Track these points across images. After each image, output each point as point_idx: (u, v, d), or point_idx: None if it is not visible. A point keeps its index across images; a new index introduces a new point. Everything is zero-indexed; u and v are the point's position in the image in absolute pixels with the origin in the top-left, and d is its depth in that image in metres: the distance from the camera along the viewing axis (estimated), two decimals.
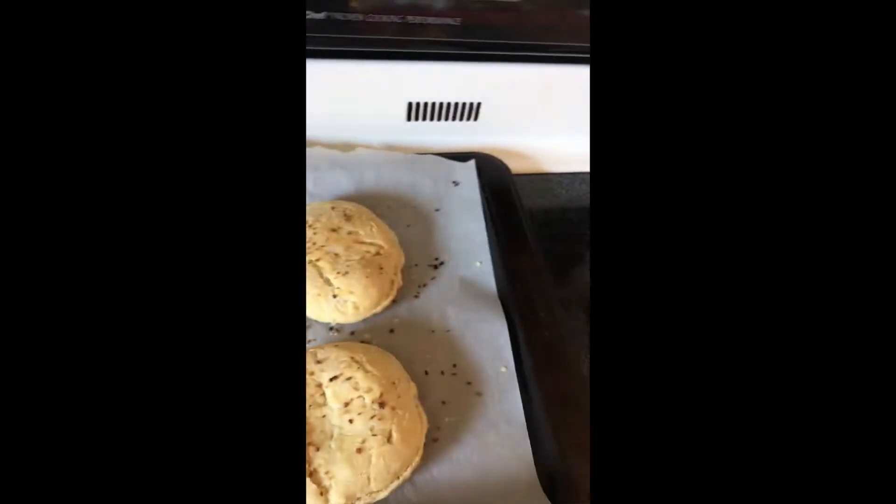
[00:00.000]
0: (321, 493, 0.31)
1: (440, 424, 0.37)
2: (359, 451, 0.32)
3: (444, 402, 0.38)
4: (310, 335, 0.41)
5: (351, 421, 0.33)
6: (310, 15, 0.39)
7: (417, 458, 0.35)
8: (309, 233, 0.42)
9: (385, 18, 0.40)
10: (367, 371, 0.35)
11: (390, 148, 0.52)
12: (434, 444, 0.36)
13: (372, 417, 0.34)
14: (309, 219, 0.43)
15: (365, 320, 0.42)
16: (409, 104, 0.50)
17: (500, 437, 0.37)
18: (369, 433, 0.33)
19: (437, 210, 0.50)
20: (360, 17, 0.40)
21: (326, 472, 0.32)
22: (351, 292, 0.40)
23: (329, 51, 0.44)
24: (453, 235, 0.48)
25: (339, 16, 0.39)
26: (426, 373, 0.40)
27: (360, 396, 0.34)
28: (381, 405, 0.34)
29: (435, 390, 0.39)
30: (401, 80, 0.48)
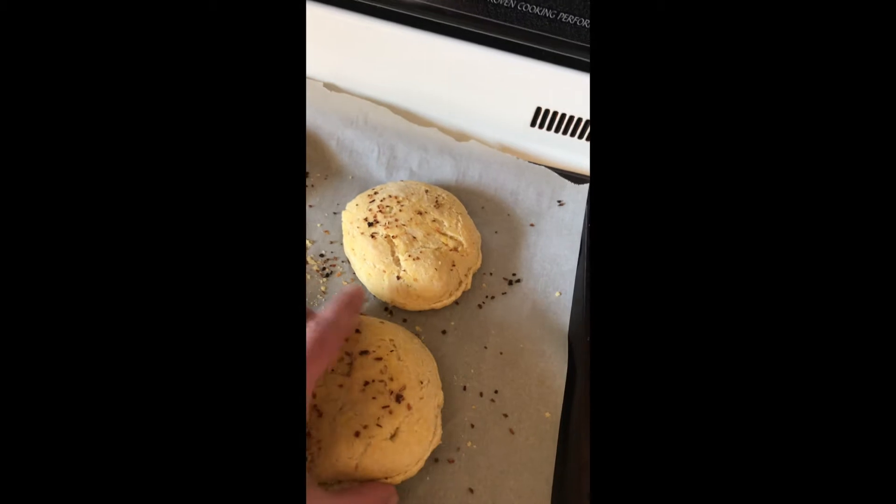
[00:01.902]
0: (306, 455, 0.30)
1: (461, 447, 0.34)
2: (357, 434, 0.30)
3: (472, 426, 0.35)
4: (364, 308, 0.40)
5: (364, 402, 0.31)
6: None
7: (415, 469, 0.32)
8: (395, 208, 0.41)
9: (536, 9, 0.37)
10: (399, 360, 0.33)
11: (504, 149, 0.49)
12: (448, 464, 0.33)
13: (384, 407, 0.31)
14: (399, 195, 0.42)
15: (421, 312, 0.39)
16: (538, 109, 0.47)
17: (520, 485, 0.33)
18: (374, 422, 0.30)
19: (531, 225, 0.46)
20: (512, 3, 0.37)
21: (318, 442, 0.30)
22: (415, 279, 0.38)
23: (470, 32, 0.42)
24: (540, 256, 0.44)
25: None
26: (464, 388, 0.37)
27: (382, 381, 0.32)
28: (399, 399, 0.31)
29: (467, 410, 0.36)
30: (536, 82, 0.45)
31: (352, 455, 0.30)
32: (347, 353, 0.33)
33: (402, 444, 0.31)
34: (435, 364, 0.35)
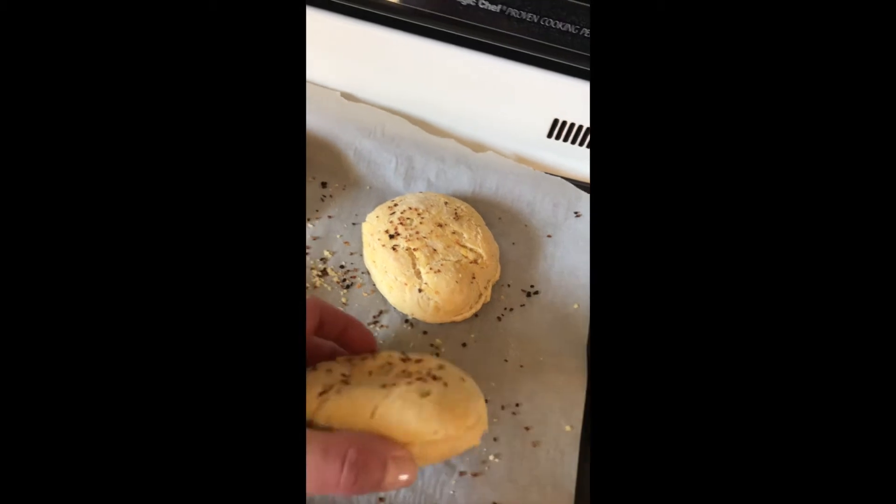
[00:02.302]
0: (320, 395, 0.26)
1: (485, 459, 0.34)
2: (383, 385, 0.26)
3: (495, 439, 0.35)
4: (384, 320, 0.40)
5: (394, 372, 0.28)
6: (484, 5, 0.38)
7: (445, 453, 0.26)
8: (416, 220, 0.41)
9: (559, 25, 0.37)
10: (441, 365, 0.30)
11: (521, 160, 0.49)
12: (472, 478, 0.34)
13: (420, 379, 0.27)
14: (420, 207, 0.42)
15: (441, 324, 0.40)
16: (556, 121, 0.47)
17: (544, 499, 0.33)
18: (405, 382, 0.27)
19: (548, 236, 0.46)
20: (535, 18, 0.37)
21: (343, 375, 0.28)
22: (437, 292, 0.38)
23: (488, 45, 0.42)
24: (558, 267, 0.44)
25: (514, 12, 0.38)
26: (486, 401, 0.37)
27: (427, 370, 0.28)
28: (436, 378, 0.27)
29: (489, 423, 0.36)
30: (555, 94, 0.45)
31: (373, 396, 0.25)
32: (389, 364, 0.30)
33: (431, 402, 0.25)
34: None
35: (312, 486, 0.22)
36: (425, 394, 0.26)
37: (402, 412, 0.25)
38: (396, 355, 0.31)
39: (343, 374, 0.28)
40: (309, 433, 0.23)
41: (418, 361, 0.30)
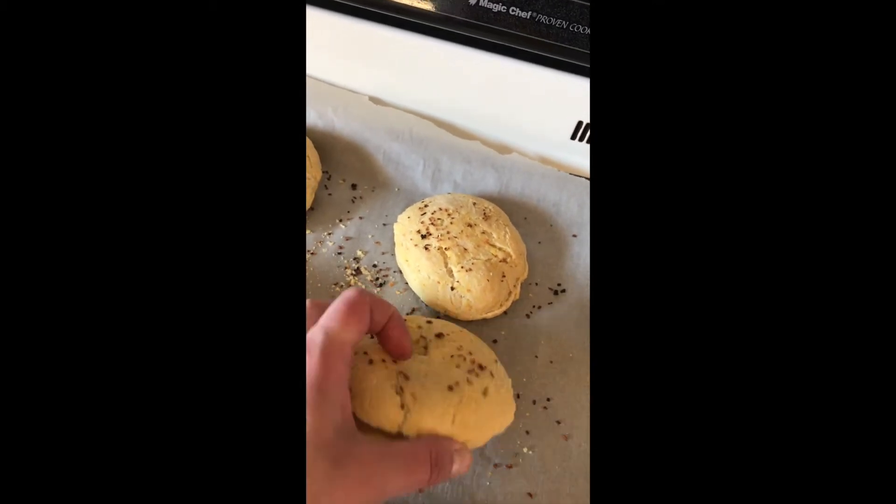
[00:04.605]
0: (401, 407, 0.29)
1: (518, 451, 0.35)
2: (450, 388, 0.30)
3: (527, 433, 0.36)
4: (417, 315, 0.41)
5: (448, 368, 0.31)
6: (495, 6, 0.39)
7: (497, 431, 0.32)
8: (446, 221, 0.42)
9: (587, 30, 0.38)
10: (472, 340, 0.34)
11: (545, 161, 0.50)
12: (507, 469, 0.35)
13: (470, 371, 0.31)
14: (449, 208, 0.43)
15: (471, 322, 0.41)
16: (579, 123, 0.48)
17: (577, 489, 0.34)
18: (465, 380, 0.31)
19: (574, 236, 0.47)
20: (565, 24, 0.39)
21: (412, 394, 0.29)
22: (469, 290, 0.39)
23: (515, 49, 0.43)
24: (584, 267, 0.45)
25: (543, 18, 0.39)
26: (518, 396, 0.38)
27: (461, 355, 0.32)
28: (482, 367, 0.32)
29: (521, 417, 0.37)
30: (579, 96, 0.46)
31: (448, 404, 0.29)
32: (422, 337, 0.33)
33: (493, 401, 0.31)
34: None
35: (407, 487, 0.26)
36: (484, 390, 0.31)
37: (476, 412, 0.30)
38: (433, 330, 0.34)
39: (399, 370, 0.30)
40: (397, 444, 0.27)
41: (453, 341, 0.34)
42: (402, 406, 0.29)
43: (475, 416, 0.30)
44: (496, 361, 0.34)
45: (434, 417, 0.29)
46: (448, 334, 0.34)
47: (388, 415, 0.28)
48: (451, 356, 0.32)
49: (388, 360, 0.31)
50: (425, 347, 0.33)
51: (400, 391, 0.29)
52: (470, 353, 0.33)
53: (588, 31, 0.39)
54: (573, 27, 0.39)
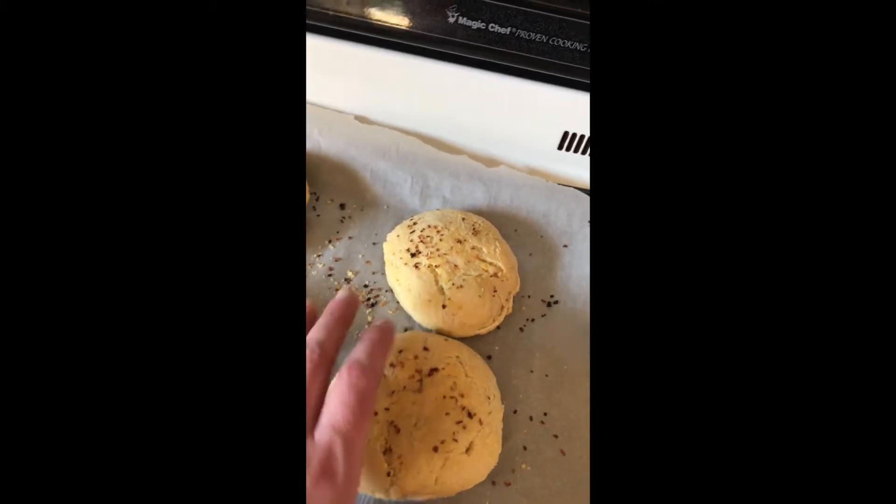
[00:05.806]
0: (388, 475, 0.31)
1: (515, 468, 0.35)
2: (435, 449, 0.32)
3: (525, 448, 0.36)
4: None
5: (437, 418, 0.33)
6: (493, 28, 0.39)
7: (479, 480, 0.33)
8: (436, 238, 0.42)
9: (566, 42, 0.39)
10: (467, 376, 0.35)
11: (532, 172, 0.50)
12: (505, 487, 0.34)
13: (458, 423, 0.33)
14: (438, 224, 0.43)
15: (465, 338, 0.41)
16: (566, 133, 0.48)
17: (578, 502, 0.34)
18: (451, 437, 0.32)
19: (565, 246, 0.47)
20: (545, 38, 0.39)
21: (399, 457, 0.32)
22: (460, 307, 0.39)
23: (498, 64, 0.43)
24: (576, 277, 0.45)
25: (523, 34, 0.39)
26: (514, 412, 0.38)
27: (453, 397, 0.33)
28: (470, 415, 0.33)
29: (518, 433, 0.37)
30: (563, 107, 0.46)
31: (432, 469, 0.31)
32: (418, 371, 0.34)
33: (476, 457, 0.32)
34: (494, 378, 0.37)
35: None
36: (469, 446, 0.32)
37: (459, 474, 0.32)
38: (428, 364, 0.35)
39: (390, 419, 0.33)
40: None
41: (448, 377, 0.34)
42: (389, 474, 0.31)
43: (457, 476, 0.32)
44: (489, 399, 0.35)
45: (418, 482, 0.31)
46: (443, 368, 0.35)
47: (376, 481, 0.31)
48: (444, 397, 0.33)
49: (380, 410, 0.32)
50: (420, 382, 0.34)
51: (388, 451, 0.32)
52: (462, 396, 0.34)
53: (569, 44, 0.39)
54: (553, 41, 0.39)
